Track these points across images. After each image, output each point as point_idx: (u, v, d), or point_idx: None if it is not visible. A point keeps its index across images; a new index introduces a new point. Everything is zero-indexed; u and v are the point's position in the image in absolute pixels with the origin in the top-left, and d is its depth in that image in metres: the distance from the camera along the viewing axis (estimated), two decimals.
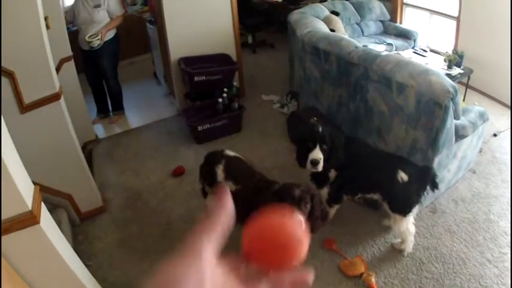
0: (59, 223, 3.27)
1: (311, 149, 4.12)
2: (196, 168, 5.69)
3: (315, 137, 4.17)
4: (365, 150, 4.50)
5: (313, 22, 6.98)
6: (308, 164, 4.14)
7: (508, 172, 5.61)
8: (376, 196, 4.36)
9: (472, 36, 7.82)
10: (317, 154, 4.10)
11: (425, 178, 4.21)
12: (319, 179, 4.46)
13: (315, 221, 3.48)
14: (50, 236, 2.80)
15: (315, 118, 4.64)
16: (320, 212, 3.53)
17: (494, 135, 6.45)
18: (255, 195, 3.82)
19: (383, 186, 4.25)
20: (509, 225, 4.72)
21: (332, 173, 4.36)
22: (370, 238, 4.71)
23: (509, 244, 4.47)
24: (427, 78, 4.30)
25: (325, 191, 4.49)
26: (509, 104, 7.20)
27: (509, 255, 4.33)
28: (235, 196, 2.98)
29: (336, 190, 4.47)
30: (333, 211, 4.67)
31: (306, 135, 4.31)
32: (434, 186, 4.26)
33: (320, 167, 4.10)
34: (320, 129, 4.21)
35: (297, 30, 6.77)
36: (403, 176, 4.07)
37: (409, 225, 4.33)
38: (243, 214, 3.34)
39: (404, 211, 4.21)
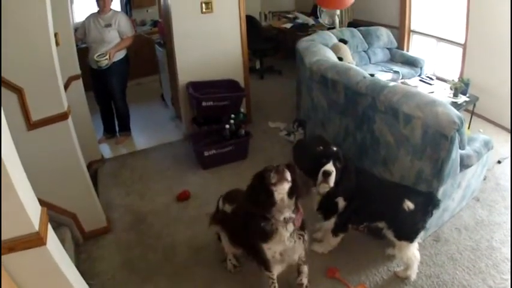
0: (62, 241, 3.28)
1: (324, 164, 4.14)
2: (202, 193, 5.79)
3: (330, 153, 4.22)
4: (371, 180, 4.52)
5: (321, 50, 7.01)
6: (319, 177, 4.13)
7: None
8: (381, 224, 4.36)
9: (478, 63, 7.87)
10: (330, 167, 4.10)
11: (430, 204, 4.24)
12: (328, 208, 4.46)
13: (299, 190, 3.61)
14: (56, 257, 2.81)
15: (321, 147, 4.64)
16: (301, 182, 3.62)
17: (499, 162, 6.46)
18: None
19: (389, 215, 4.25)
20: (510, 251, 4.74)
21: (341, 203, 4.35)
22: (373, 266, 4.69)
23: (510, 270, 4.48)
24: (434, 110, 4.31)
25: (331, 221, 4.50)
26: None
27: (510, 282, 4.34)
28: (232, 216, 3.03)
29: (343, 220, 4.47)
30: (337, 240, 4.69)
31: (320, 152, 4.36)
32: (435, 208, 4.29)
33: (331, 182, 4.10)
34: (335, 148, 4.28)
35: (305, 58, 6.79)
36: (409, 204, 4.09)
37: (414, 251, 4.34)
38: (241, 229, 3.32)
39: (411, 238, 4.23)
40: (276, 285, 4.11)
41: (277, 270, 3.99)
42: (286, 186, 3.47)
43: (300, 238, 3.79)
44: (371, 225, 4.52)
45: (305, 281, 4.28)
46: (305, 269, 4.24)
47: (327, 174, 4.09)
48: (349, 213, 4.40)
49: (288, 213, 3.60)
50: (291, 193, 3.57)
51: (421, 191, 4.40)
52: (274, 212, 3.58)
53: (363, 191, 4.29)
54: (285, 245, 3.72)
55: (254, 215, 3.70)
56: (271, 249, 3.74)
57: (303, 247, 3.91)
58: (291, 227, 3.67)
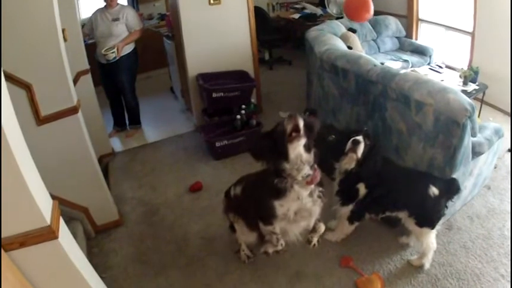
0: (74, 236, 3.26)
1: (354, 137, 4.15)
2: (214, 184, 5.79)
3: (360, 130, 4.27)
4: (394, 168, 4.56)
5: (330, 39, 6.99)
6: (348, 145, 4.14)
7: None
8: (401, 214, 4.37)
9: (486, 52, 7.83)
10: (360, 138, 4.11)
11: (452, 190, 4.26)
12: (348, 193, 4.45)
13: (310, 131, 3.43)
14: (68, 250, 2.80)
15: (333, 136, 4.64)
16: (312, 123, 3.45)
17: (509, 150, 6.41)
18: (259, 177, 3.87)
19: (414, 203, 4.25)
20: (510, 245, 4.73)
21: (362, 190, 4.34)
22: (387, 255, 4.69)
23: (510, 265, 4.43)
24: (445, 96, 4.28)
25: (349, 208, 4.48)
26: None
27: (510, 276, 4.32)
28: (242, 194, 2.97)
29: (361, 208, 4.46)
30: (351, 228, 4.69)
31: (351, 129, 4.50)
32: (457, 192, 4.32)
33: (359, 151, 4.10)
34: (365, 128, 4.35)
35: (315, 47, 6.78)
36: (434, 190, 4.12)
37: (433, 239, 4.36)
38: (253, 205, 3.25)
39: (432, 224, 4.26)
40: (282, 241, 3.95)
41: (279, 225, 3.82)
42: (302, 141, 3.33)
43: (319, 197, 3.68)
44: (392, 214, 4.49)
45: (315, 239, 4.11)
46: (321, 228, 4.05)
47: (356, 142, 4.09)
48: (369, 202, 4.39)
49: (306, 170, 3.46)
50: (308, 147, 3.43)
51: (442, 177, 4.38)
52: (291, 171, 3.44)
53: (386, 179, 4.30)
54: (301, 204, 3.60)
55: (268, 172, 3.57)
56: (284, 207, 3.61)
57: (321, 207, 3.79)
58: (309, 185, 3.54)
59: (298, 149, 3.34)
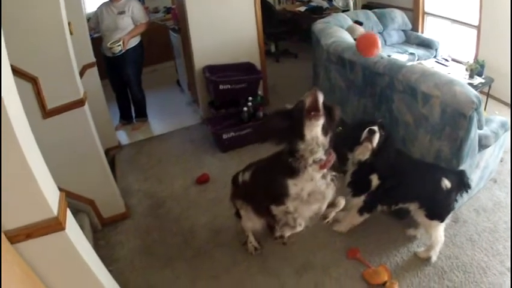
0: (80, 228, 3.27)
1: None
2: (221, 176, 5.81)
3: (375, 121, 4.25)
4: (407, 160, 4.53)
5: (337, 32, 6.99)
6: (364, 134, 4.11)
7: None
8: (412, 206, 4.37)
9: (492, 45, 7.79)
10: (376, 128, 4.09)
11: (462, 182, 4.26)
12: (360, 184, 4.44)
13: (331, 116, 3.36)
14: (75, 242, 2.80)
15: (340, 128, 4.63)
16: (332, 106, 3.42)
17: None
18: (270, 160, 3.87)
19: (426, 195, 4.25)
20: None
21: (375, 181, 4.32)
22: (394, 247, 4.69)
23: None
24: (452, 89, 4.29)
25: (361, 199, 4.47)
26: None
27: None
28: (251, 181, 2.93)
29: (373, 199, 4.46)
30: (360, 219, 4.67)
31: (366, 120, 4.47)
32: (467, 187, 4.31)
33: (375, 141, 4.08)
34: (380, 120, 4.33)
35: (321, 40, 6.79)
36: (446, 183, 4.12)
37: (441, 232, 4.38)
38: (267, 168, 3.19)
39: (442, 217, 4.28)
40: (301, 221, 3.80)
41: (292, 204, 3.68)
42: (320, 121, 3.22)
43: (332, 180, 3.57)
44: (404, 206, 4.47)
45: (331, 215, 3.94)
46: (341, 202, 3.90)
47: (372, 132, 4.07)
48: (381, 193, 4.38)
49: (320, 154, 3.36)
50: (326, 130, 3.33)
51: (454, 170, 4.39)
52: (304, 151, 3.35)
53: (398, 170, 4.29)
54: (316, 187, 3.52)
55: (282, 152, 3.51)
56: (298, 186, 3.52)
57: (334, 191, 3.67)
58: (321, 169, 3.44)
59: (315, 129, 3.25)
